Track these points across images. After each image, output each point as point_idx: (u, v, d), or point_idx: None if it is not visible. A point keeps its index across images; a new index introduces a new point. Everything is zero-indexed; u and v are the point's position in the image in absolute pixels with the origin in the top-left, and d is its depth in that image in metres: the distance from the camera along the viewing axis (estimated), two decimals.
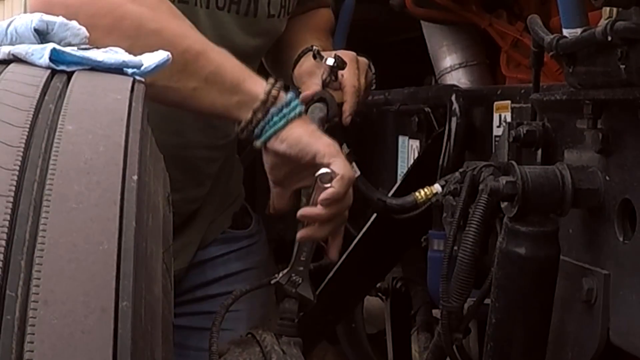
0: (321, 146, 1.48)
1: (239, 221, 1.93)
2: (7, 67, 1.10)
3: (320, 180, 1.45)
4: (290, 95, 1.49)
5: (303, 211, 1.48)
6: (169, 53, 1.24)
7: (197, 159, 1.59)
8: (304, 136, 1.47)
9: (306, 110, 2.17)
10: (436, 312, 1.75)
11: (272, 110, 1.46)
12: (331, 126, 2.17)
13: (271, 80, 1.49)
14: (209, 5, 1.66)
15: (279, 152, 1.48)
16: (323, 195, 1.44)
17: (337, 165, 1.45)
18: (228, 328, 1.52)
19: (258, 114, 1.46)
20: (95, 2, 1.34)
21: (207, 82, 1.44)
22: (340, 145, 2.15)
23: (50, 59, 1.11)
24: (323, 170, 1.47)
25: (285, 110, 1.47)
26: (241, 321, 1.57)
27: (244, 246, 1.92)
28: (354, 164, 1.96)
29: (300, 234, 1.52)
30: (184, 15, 1.52)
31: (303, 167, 1.49)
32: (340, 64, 1.68)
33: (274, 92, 1.46)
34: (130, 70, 1.16)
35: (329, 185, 1.45)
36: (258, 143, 1.50)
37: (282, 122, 1.47)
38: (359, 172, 2.07)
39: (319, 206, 1.46)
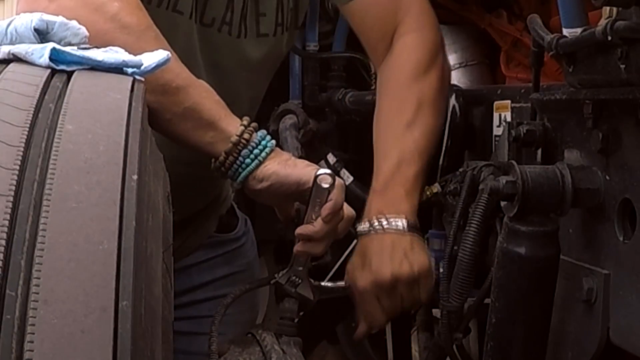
0: (300, 173, 1.49)
1: (225, 224, 1.93)
2: (7, 66, 1.10)
3: (319, 181, 1.45)
4: (260, 134, 1.49)
5: (300, 230, 1.50)
6: (169, 52, 1.24)
7: (183, 175, 1.57)
8: (280, 170, 1.49)
9: (278, 121, 2.18)
10: (436, 312, 1.75)
11: (244, 152, 1.48)
12: (316, 137, 2.18)
13: (245, 121, 1.49)
14: (197, 20, 1.65)
15: (257, 189, 1.50)
16: (325, 211, 1.47)
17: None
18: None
19: (230, 156, 1.48)
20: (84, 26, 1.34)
21: (183, 116, 1.45)
22: (326, 154, 2.16)
23: (50, 59, 1.10)
24: (322, 170, 1.47)
25: (255, 151, 1.48)
26: (229, 325, 1.57)
27: (231, 249, 1.91)
28: (344, 170, 1.97)
29: (297, 248, 1.54)
30: (175, 34, 1.52)
31: (290, 194, 1.51)
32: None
33: (245, 134, 1.47)
34: (130, 70, 1.16)
35: (327, 186, 1.45)
36: (235, 184, 1.51)
37: (254, 164, 1.48)
38: (351, 178, 2.07)
39: (316, 222, 1.48)
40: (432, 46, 1.78)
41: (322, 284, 1.65)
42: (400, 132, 1.72)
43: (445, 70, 1.80)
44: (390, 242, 1.64)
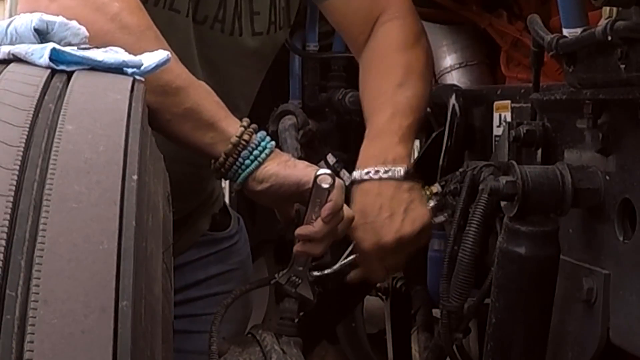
0: (299, 174, 1.49)
1: (219, 222, 1.93)
2: (7, 66, 1.10)
3: (319, 182, 1.45)
4: (260, 135, 1.50)
5: (300, 230, 1.50)
6: (169, 53, 1.25)
7: (179, 174, 1.57)
8: (279, 171, 1.49)
9: (277, 122, 2.18)
10: (436, 312, 1.75)
11: (243, 153, 1.48)
12: (315, 138, 2.18)
13: (245, 122, 1.49)
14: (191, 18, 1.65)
15: (257, 191, 1.50)
16: (324, 212, 1.46)
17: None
18: (207, 330, 1.52)
19: (229, 157, 1.48)
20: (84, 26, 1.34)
21: (183, 117, 1.45)
22: (326, 155, 2.16)
23: (50, 59, 1.11)
24: (322, 171, 1.47)
25: (255, 152, 1.48)
26: (223, 322, 1.57)
27: (224, 248, 1.92)
28: (344, 170, 1.96)
29: (296, 248, 1.53)
30: (172, 33, 1.52)
31: (290, 195, 1.51)
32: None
33: (245, 135, 1.47)
34: (130, 70, 1.16)
35: (327, 186, 1.45)
36: (235, 185, 1.51)
37: (253, 165, 1.48)
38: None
39: (316, 222, 1.48)
40: (415, 31, 1.80)
41: (327, 271, 1.63)
42: (392, 91, 1.72)
43: (429, 55, 1.82)
44: (389, 197, 1.64)
